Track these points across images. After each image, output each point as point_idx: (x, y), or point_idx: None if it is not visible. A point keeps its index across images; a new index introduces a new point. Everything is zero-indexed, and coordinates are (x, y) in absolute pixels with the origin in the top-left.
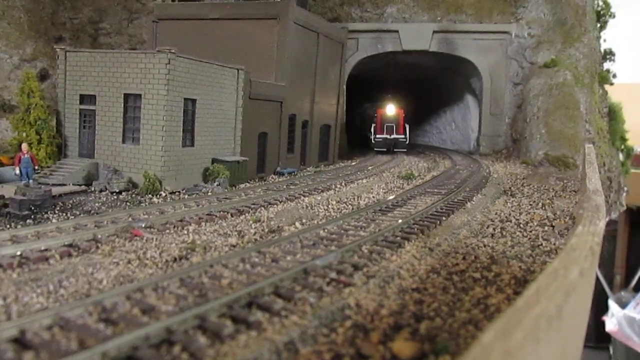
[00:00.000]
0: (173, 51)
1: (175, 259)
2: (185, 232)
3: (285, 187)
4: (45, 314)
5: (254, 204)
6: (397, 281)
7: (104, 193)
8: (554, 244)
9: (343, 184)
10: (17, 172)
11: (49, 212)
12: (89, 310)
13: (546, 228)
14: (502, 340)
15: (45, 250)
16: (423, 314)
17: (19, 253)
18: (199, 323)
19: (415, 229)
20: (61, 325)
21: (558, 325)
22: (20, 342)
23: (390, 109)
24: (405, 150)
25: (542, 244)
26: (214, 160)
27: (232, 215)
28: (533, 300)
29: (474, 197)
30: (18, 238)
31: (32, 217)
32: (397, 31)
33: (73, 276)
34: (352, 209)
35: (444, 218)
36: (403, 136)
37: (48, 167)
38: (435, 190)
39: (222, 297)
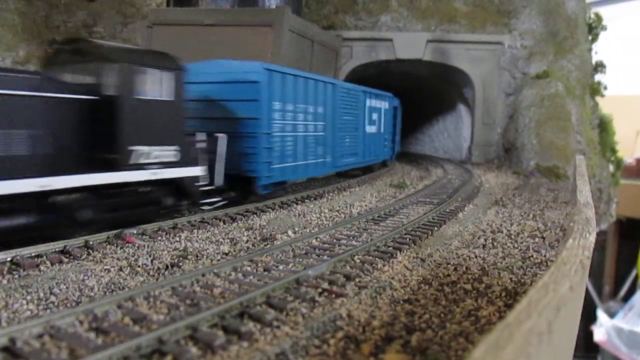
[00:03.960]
0: None
1: (167, 267)
2: (177, 239)
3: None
4: (36, 322)
5: (246, 211)
6: (389, 292)
7: None
8: (545, 256)
9: (335, 191)
10: None
11: None
12: (79, 318)
13: (537, 239)
14: (493, 356)
15: (36, 256)
16: (414, 325)
17: (9, 259)
18: (190, 333)
19: (407, 239)
20: (51, 333)
21: (548, 340)
22: (10, 351)
23: None
24: None
25: (532, 256)
26: None
27: (224, 223)
28: (524, 316)
29: (466, 207)
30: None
31: None
32: (391, 40)
33: (64, 283)
34: (345, 217)
35: (435, 228)
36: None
37: None
38: (428, 199)
39: (214, 307)
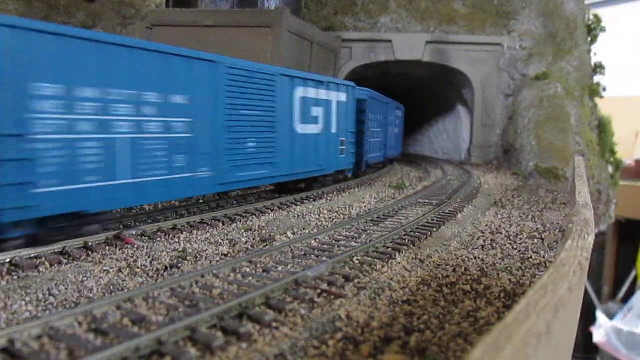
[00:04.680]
0: None
1: (166, 268)
2: (177, 240)
3: (277, 195)
4: (35, 323)
5: (245, 212)
6: (388, 293)
7: None
8: (544, 257)
9: (335, 192)
10: None
11: None
12: (78, 319)
13: (536, 241)
14: (492, 357)
15: (35, 257)
16: (413, 326)
17: (8, 260)
18: (189, 334)
19: (406, 240)
20: (50, 335)
21: (547, 341)
22: (9, 352)
23: None
24: None
25: (531, 257)
26: None
27: (223, 224)
28: (522, 317)
29: (465, 209)
30: (7, 245)
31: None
32: (390, 41)
33: (63, 284)
34: (344, 218)
35: (434, 229)
36: None
37: None
38: (427, 201)
39: (213, 308)
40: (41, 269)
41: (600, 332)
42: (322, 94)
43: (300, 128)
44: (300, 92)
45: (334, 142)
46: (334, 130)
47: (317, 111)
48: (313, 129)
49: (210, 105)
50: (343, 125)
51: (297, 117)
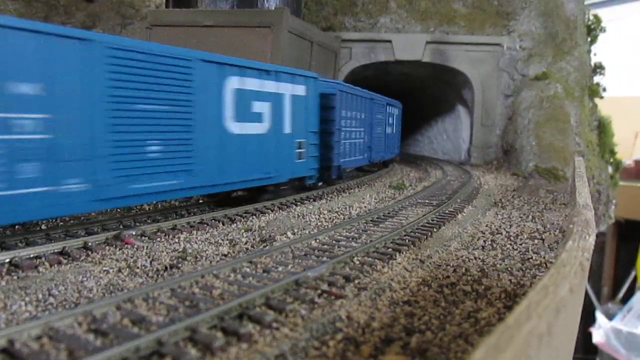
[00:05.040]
0: None
1: (166, 268)
2: (176, 240)
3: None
4: (34, 324)
5: (245, 212)
6: (388, 293)
7: None
8: (544, 258)
9: (335, 193)
10: None
11: None
12: (78, 320)
13: (536, 241)
14: (493, 358)
15: (35, 257)
16: (414, 327)
17: (7, 260)
18: (189, 335)
19: (407, 241)
20: (50, 335)
21: (548, 342)
22: (9, 352)
23: None
24: None
25: (532, 257)
26: None
27: (223, 224)
28: (524, 317)
29: (465, 209)
30: (7, 245)
31: (22, 223)
32: (390, 41)
33: (62, 284)
34: (344, 218)
35: (434, 230)
36: None
37: None
38: (427, 201)
39: (213, 308)
40: (41, 269)
41: (600, 333)
42: (269, 85)
43: (236, 127)
44: (234, 83)
45: (287, 145)
46: (287, 130)
47: (260, 107)
48: (255, 128)
49: (82, 97)
50: (301, 124)
51: (229, 114)
